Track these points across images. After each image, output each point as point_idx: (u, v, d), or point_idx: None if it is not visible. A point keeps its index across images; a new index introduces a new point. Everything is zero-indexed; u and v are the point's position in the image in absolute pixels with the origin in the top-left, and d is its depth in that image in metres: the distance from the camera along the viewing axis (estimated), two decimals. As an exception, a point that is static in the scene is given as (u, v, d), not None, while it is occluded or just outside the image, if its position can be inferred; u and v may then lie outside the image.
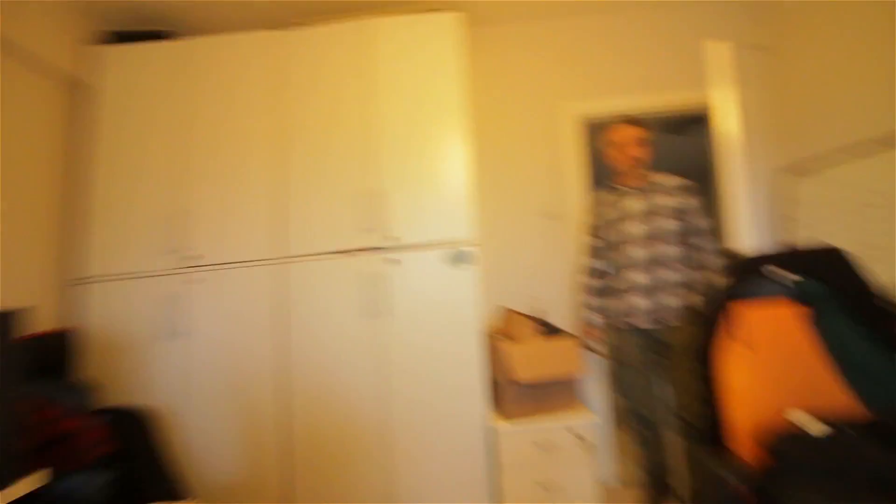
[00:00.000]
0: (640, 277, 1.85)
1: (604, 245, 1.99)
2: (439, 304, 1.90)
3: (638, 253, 1.86)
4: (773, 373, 1.21)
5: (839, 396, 1.16)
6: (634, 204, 1.91)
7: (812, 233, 2.16)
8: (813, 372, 1.20)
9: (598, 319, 1.98)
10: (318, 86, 2.01)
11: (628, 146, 1.91)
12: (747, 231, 1.94)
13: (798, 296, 1.25)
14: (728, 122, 2.05)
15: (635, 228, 1.88)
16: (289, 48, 2.04)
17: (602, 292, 1.99)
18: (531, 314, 2.13)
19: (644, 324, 1.84)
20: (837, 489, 0.94)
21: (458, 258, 1.91)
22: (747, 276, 1.30)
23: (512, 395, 1.81)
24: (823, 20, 2.09)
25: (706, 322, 1.30)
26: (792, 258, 1.29)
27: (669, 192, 1.89)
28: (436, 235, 1.92)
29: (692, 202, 1.88)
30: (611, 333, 1.95)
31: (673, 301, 1.81)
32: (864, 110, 1.92)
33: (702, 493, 1.38)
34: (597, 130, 2.57)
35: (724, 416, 1.19)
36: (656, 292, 1.83)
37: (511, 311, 2.10)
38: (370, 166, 1.96)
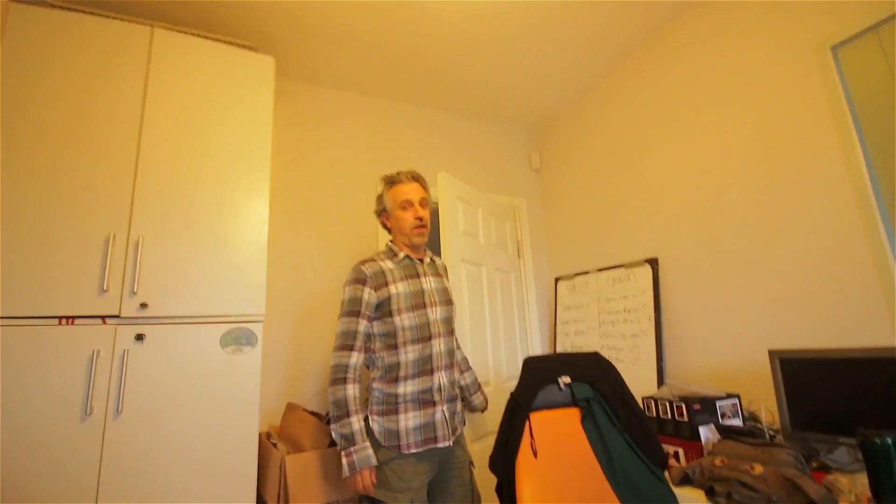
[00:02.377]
0: (443, 378, 1.40)
1: (389, 334, 1.37)
2: (203, 399, 1.45)
3: (440, 346, 1.41)
4: (555, 479, 1.21)
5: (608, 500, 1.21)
6: (430, 281, 1.49)
7: (567, 330, 2.52)
8: (588, 474, 1.23)
9: (370, 456, 1.26)
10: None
11: (417, 205, 1.49)
12: (533, 330, 2.09)
13: (570, 398, 1.34)
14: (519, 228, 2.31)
15: (436, 313, 1.44)
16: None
17: (386, 402, 1.34)
18: (319, 412, 1.83)
19: (443, 441, 1.34)
20: None
21: (239, 339, 1.54)
22: (541, 385, 1.34)
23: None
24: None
25: (508, 433, 1.27)
26: (562, 362, 1.40)
27: (444, 275, 1.58)
28: (210, 306, 1.53)
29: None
30: (399, 465, 1.29)
31: (458, 408, 1.47)
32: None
33: None
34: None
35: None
36: (452, 398, 1.43)
37: (295, 407, 1.75)
38: (121, 202, 1.49)
